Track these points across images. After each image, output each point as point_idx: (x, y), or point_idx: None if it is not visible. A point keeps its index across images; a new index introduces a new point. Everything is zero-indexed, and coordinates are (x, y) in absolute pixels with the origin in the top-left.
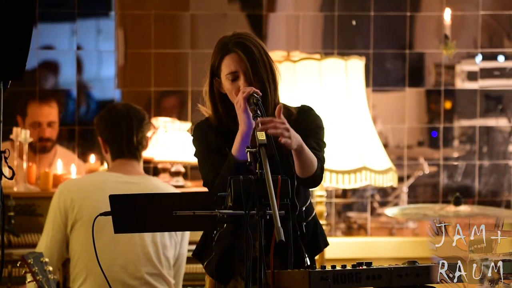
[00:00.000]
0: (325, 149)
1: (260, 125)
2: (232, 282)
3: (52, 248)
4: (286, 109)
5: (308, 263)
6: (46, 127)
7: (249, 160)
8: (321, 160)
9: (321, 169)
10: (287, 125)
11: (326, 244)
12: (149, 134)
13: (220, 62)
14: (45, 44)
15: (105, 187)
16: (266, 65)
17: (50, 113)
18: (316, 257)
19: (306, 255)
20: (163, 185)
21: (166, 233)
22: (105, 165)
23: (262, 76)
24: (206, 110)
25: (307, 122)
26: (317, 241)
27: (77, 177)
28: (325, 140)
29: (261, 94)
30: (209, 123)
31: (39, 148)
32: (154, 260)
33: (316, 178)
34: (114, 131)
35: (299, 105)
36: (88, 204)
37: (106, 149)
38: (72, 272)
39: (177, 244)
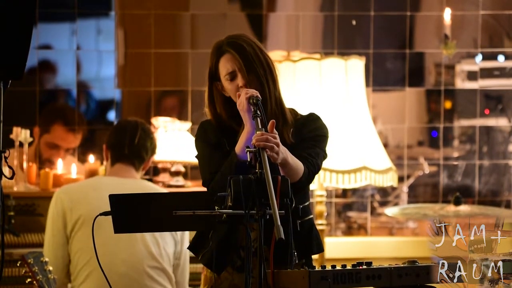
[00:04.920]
0: (323, 159)
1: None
2: (225, 273)
3: (56, 254)
4: (293, 113)
5: (297, 260)
6: (63, 151)
7: (249, 159)
8: (314, 167)
9: (307, 176)
10: (278, 140)
11: (320, 250)
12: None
13: (216, 64)
14: (45, 44)
15: (101, 186)
16: (261, 60)
17: (72, 141)
18: (316, 257)
19: (295, 252)
20: (156, 187)
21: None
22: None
23: (258, 72)
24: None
25: (310, 129)
26: (309, 242)
27: (71, 184)
28: (326, 150)
29: (261, 98)
30: (213, 123)
31: (45, 159)
32: (155, 253)
33: (300, 185)
34: (118, 135)
35: (308, 112)
36: (86, 203)
37: (107, 155)
38: (74, 271)
39: (178, 244)
